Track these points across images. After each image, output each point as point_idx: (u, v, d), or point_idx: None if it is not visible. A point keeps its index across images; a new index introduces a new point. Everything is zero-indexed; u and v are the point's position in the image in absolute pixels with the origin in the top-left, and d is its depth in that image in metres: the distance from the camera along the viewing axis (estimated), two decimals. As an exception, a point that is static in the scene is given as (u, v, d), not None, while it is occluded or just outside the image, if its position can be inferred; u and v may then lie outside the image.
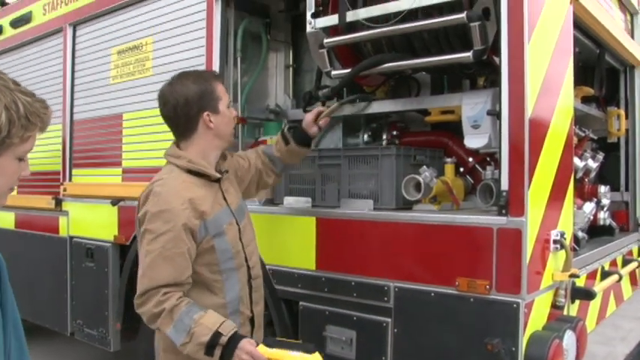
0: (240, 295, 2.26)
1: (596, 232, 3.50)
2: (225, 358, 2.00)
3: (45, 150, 4.55)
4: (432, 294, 2.37)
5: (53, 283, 4.46)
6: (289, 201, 2.98)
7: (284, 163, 2.68)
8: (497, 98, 2.38)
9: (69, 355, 5.41)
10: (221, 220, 2.21)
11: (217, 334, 2.00)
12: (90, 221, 4.21)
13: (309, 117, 2.71)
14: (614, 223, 3.70)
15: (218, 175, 2.26)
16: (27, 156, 1.29)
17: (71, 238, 4.32)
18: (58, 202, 4.46)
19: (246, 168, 2.56)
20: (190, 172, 2.20)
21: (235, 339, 2.02)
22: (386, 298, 2.50)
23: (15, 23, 5.09)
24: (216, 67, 3.25)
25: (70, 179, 4.42)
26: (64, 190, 4.43)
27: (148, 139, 3.69)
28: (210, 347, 2.00)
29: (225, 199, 2.28)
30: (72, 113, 4.40)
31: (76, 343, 4.62)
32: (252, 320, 2.33)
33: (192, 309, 2.05)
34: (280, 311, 2.89)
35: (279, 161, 2.66)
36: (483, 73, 2.93)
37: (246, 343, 2.01)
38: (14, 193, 5.06)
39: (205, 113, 2.19)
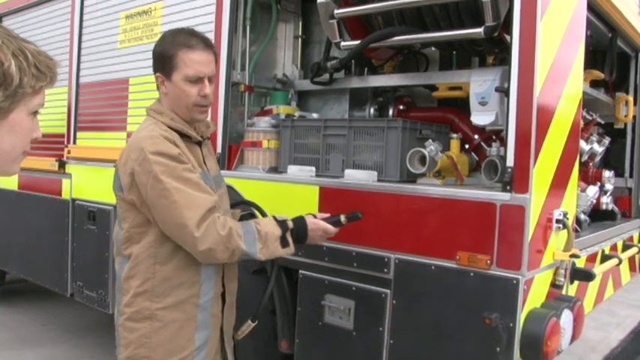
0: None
1: (598, 216, 3.50)
2: (300, 239, 2.15)
3: (50, 112, 4.54)
4: (433, 267, 2.38)
5: (55, 245, 4.49)
6: (293, 169, 2.98)
7: None
8: (506, 76, 2.36)
9: (67, 315, 5.48)
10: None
11: (282, 223, 2.10)
12: (93, 184, 4.22)
13: None
14: (616, 209, 3.71)
15: (199, 138, 2.17)
16: (37, 116, 1.25)
17: (74, 200, 4.34)
18: (62, 165, 4.47)
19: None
20: (171, 129, 2.08)
21: (297, 220, 2.15)
22: (386, 270, 2.52)
23: (23, -16, 5.05)
24: (224, 34, 3.23)
25: (75, 142, 4.42)
26: (68, 152, 4.44)
27: (153, 104, 3.67)
28: (282, 238, 2.07)
29: (205, 163, 2.20)
30: (78, 76, 4.39)
31: (76, 304, 4.67)
32: (223, 296, 2.21)
33: (244, 222, 2.08)
34: (279, 279, 2.90)
35: None
36: (493, 50, 2.91)
37: (310, 220, 2.17)
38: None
39: (158, 74, 2.14)
